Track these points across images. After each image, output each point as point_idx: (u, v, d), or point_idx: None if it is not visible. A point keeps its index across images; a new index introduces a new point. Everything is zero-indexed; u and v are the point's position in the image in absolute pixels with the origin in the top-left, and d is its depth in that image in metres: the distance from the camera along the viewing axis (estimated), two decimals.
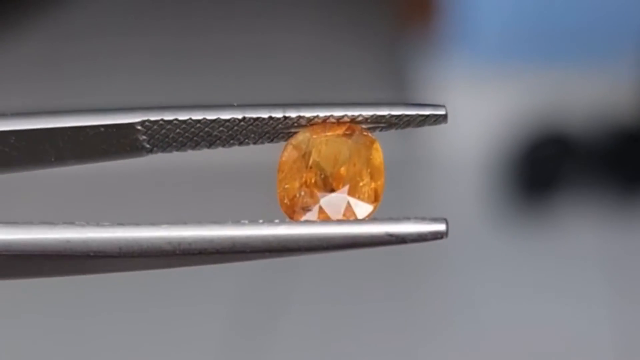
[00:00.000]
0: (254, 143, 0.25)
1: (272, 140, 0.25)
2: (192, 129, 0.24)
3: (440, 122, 0.24)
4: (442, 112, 0.24)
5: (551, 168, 1.04)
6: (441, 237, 0.23)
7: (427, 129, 1.18)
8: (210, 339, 0.88)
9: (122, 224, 0.23)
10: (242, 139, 0.24)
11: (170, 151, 0.24)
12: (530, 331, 0.88)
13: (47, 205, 1.08)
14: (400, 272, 0.96)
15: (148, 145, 0.24)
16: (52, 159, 0.24)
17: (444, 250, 0.99)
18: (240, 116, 0.24)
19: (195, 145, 0.24)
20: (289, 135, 0.25)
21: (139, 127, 0.24)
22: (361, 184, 0.24)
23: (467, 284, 0.96)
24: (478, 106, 1.10)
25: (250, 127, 0.24)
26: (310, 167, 0.24)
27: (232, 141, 0.24)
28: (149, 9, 1.55)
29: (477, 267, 0.98)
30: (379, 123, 0.24)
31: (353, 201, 0.24)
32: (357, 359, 0.87)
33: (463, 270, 0.98)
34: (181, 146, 0.24)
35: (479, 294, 0.94)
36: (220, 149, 0.25)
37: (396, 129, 0.24)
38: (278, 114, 0.24)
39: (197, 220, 0.23)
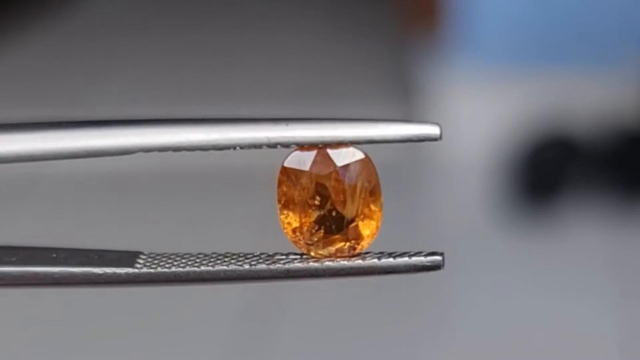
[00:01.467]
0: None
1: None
2: (185, 151, 0.24)
3: (434, 140, 0.24)
4: (436, 133, 0.24)
5: (555, 171, 1.04)
6: (438, 269, 0.24)
7: None
8: (216, 337, 0.89)
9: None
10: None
11: None
12: (535, 333, 0.88)
13: (46, 205, 1.08)
14: (405, 275, 0.96)
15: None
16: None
17: (448, 252, 0.99)
18: (233, 145, 0.24)
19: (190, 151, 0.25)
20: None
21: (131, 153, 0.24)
22: (361, 209, 0.24)
23: (471, 286, 0.96)
24: (482, 109, 1.10)
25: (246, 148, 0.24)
26: (309, 196, 0.24)
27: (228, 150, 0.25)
28: (153, 11, 1.55)
29: (482, 269, 0.98)
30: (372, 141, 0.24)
31: (355, 229, 0.24)
32: (360, 358, 0.87)
33: (467, 273, 0.98)
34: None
35: (483, 296, 0.94)
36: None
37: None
38: (272, 141, 0.24)
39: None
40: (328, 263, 0.24)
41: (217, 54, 1.38)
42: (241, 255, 0.25)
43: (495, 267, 0.98)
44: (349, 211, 0.24)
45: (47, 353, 0.88)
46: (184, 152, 0.24)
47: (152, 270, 0.24)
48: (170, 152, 0.25)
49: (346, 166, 0.24)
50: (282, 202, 0.24)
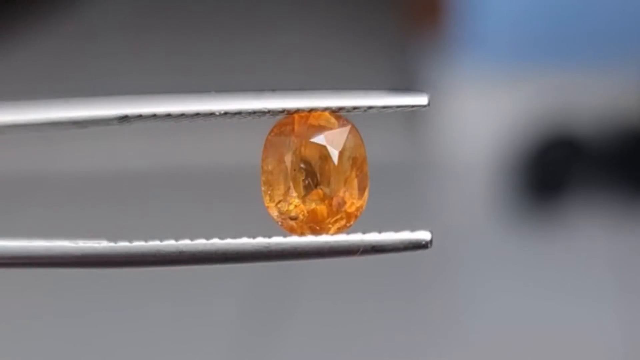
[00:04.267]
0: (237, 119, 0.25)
1: (253, 118, 0.24)
2: (171, 120, 0.24)
3: (422, 109, 0.24)
4: (424, 101, 0.24)
5: (560, 170, 1.04)
6: (425, 248, 0.24)
7: (436, 132, 1.17)
8: (220, 337, 0.89)
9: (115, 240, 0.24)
10: (223, 120, 0.25)
11: (151, 123, 0.24)
12: (539, 331, 0.88)
13: (46, 206, 1.08)
14: (410, 273, 0.96)
15: (127, 124, 0.24)
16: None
17: (453, 252, 0.99)
18: (221, 110, 0.24)
19: (175, 123, 0.24)
20: (271, 117, 0.24)
21: (116, 120, 0.24)
22: (347, 181, 0.24)
23: (476, 286, 0.96)
24: (487, 108, 1.09)
25: (231, 115, 0.24)
26: (293, 171, 0.24)
27: (212, 120, 0.24)
28: (156, 10, 1.55)
29: (487, 268, 0.98)
30: (359, 110, 0.24)
31: (340, 200, 0.24)
32: (365, 356, 0.87)
33: (472, 272, 0.98)
34: (161, 122, 0.24)
35: (488, 295, 0.94)
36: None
37: (377, 111, 0.24)
38: (260, 107, 0.24)
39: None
40: (312, 238, 0.24)
41: (219, 54, 1.38)
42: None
43: (499, 266, 0.97)
44: (334, 184, 0.24)
45: (46, 352, 0.88)
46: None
47: (127, 244, 0.23)
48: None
49: (332, 137, 0.23)
50: (266, 175, 0.24)
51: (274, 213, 0.24)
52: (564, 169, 1.04)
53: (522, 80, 1.10)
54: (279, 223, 0.24)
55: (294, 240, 0.24)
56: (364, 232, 0.24)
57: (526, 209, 1.02)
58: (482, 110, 1.09)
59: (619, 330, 0.88)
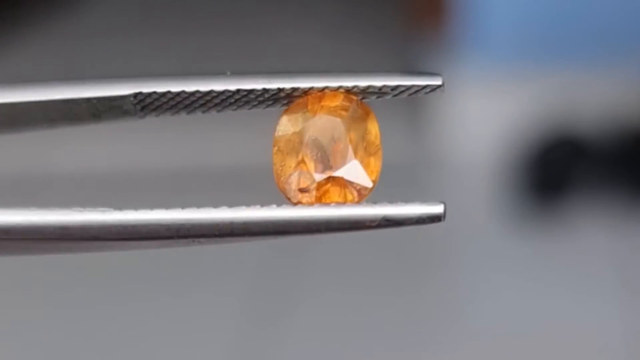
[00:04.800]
0: (249, 109, 0.24)
1: (267, 107, 0.24)
2: (185, 100, 0.24)
3: (437, 91, 0.23)
4: (438, 82, 0.23)
5: (562, 170, 1.04)
6: (439, 220, 0.23)
7: (438, 131, 1.17)
8: (223, 328, 0.89)
9: (120, 208, 0.23)
10: (236, 107, 0.24)
11: (164, 116, 0.24)
12: (542, 331, 0.88)
13: (50, 205, 1.08)
14: (412, 270, 0.96)
15: (141, 113, 0.24)
16: (45, 125, 0.24)
17: (455, 250, 0.99)
18: (234, 88, 0.24)
19: (189, 112, 0.24)
20: (284, 103, 0.24)
21: (132, 99, 0.24)
22: (358, 159, 0.23)
23: (478, 284, 0.96)
24: (489, 108, 1.09)
25: (244, 97, 0.24)
26: (306, 144, 0.23)
27: (226, 108, 0.24)
28: (158, 9, 1.55)
29: (489, 267, 0.97)
30: (373, 92, 0.24)
31: (350, 179, 0.24)
32: (367, 352, 0.87)
33: (475, 271, 0.98)
34: (174, 113, 0.24)
35: (490, 294, 0.94)
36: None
37: (392, 97, 0.23)
38: (273, 86, 0.23)
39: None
40: (321, 208, 0.23)
41: (221, 53, 1.38)
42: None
43: (502, 264, 0.97)
44: (345, 163, 0.23)
45: (48, 348, 0.88)
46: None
47: (132, 210, 0.23)
48: (166, 116, 0.24)
49: (345, 116, 0.24)
50: (277, 147, 0.24)
51: (284, 186, 0.24)
52: (566, 168, 1.04)
53: (525, 79, 1.10)
54: (288, 197, 0.23)
55: (303, 210, 0.23)
56: (375, 203, 0.23)
57: (528, 208, 1.02)
58: (484, 110, 1.09)
59: (620, 329, 0.88)
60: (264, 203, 0.23)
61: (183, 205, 0.23)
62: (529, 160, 1.05)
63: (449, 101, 1.10)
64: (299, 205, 0.23)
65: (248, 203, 0.23)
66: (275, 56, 1.37)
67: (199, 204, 0.24)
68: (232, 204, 0.23)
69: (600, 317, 0.89)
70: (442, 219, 0.23)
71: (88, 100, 0.24)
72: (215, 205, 0.23)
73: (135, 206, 0.23)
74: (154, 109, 0.24)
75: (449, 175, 1.12)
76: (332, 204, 0.23)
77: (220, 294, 0.93)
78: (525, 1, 1.10)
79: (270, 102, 0.24)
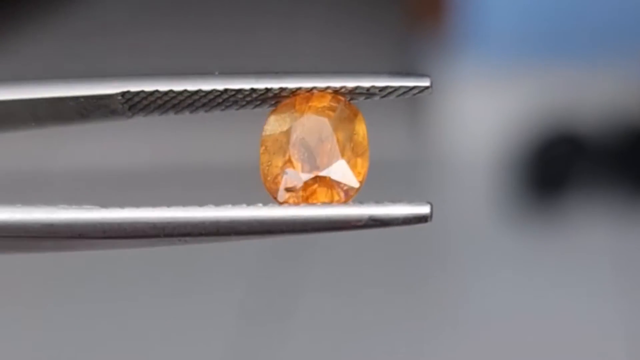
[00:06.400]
0: (237, 109, 0.24)
1: (255, 108, 0.24)
2: (174, 99, 0.24)
3: (425, 93, 0.23)
4: (426, 83, 0.23)
5: (562, 167, 1.04)
6: (425, 221, 0.22)
7: (438, 128, 1.17)
8: (222, 328, 0.88)
9: (106, 206, 0.23)
10: (224, 107, 0.24)
11: (152, 116, 0.24)
12: (542, 329, 0.88)
13: (48, 203, 1.08)
14: (411, 268, 0.96)
15: (129, 112, 0.24)
16: (32, 124, 0.24)
17: (454, 248, 0.99)
18: (222, 88, 0.23)
19: (177, 112, 0.24)
20: (272, 103, 0.24)
21: (120, 98, 0.24)
22: (345, 160, 0.23)
23: (478, 281, 0.96)
24: (489, 105, 1.09)
25: (232, 97, 0.24)
26: (294, 144, 0.23)
27: (214, 108, 0.24)
28: (158, 7, 1.55)
29: (488, 264, 0.97)
30: (362, 93, 0.24)
31: (337, 179, 0.23)
32: (367, 350, 0.87)
33: (474, 268, 0.98)
34: (162, 112, 0.24)
35: (490, 291, 0.94)
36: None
37: (380, 98, 0.23)
38: (260, 86, 0.23)
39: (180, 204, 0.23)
40: (308, 207, 0.23)
41: (222, 52, 1.38)
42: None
43: (501, 262, 0.97)
44: (332, 163, 0.23)
45: (47, 348, 0.88)
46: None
47: (118, 208, 0.22)
48: (155, 115, 0.24)
49: (333, 117, 0.24)
50: (264, 147, 0.24)
51: (270, 186, 0.23)
52: (566, 166, 1.03)
53: (525, 77, 1.09)
54: (275, 197, 0.23)
55: (290, 210, 0.23)
56: (362, 202, 0.23)
57: (528, 206, 1.02)
58: (484, 107, 1.09)
59: (620, 326, 0.88)
60: (251, 202, 0.23)
61: (170, 204, 0.23)
62: (529, 158, 1.04)
63: (448, 98, 1.10)
64: (285, 205, 0.23)
65: (235, 202, 0.23)
66: (274, 53, 1.37)
67: (186, 203, 0.24)
68: (219, 202, 0.23)
69: (600, 315, 0.89)
70: (428, 219, 0.22)
71: (75, 98, 0.24)
72: (202, 203, 0.22)
73: (123, 204, 0.23)
74: (142, 109, 0.24)
75: (448, 172, 1.12)
76: (319, 204, 0.23)
77: (219, 293, 0.93)
78: None
79: (258, 103, 0.24)
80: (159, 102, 0.24)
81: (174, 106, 0.24)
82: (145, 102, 0.24)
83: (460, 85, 1.10)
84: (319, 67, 1.31)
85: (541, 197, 1.02)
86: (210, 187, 1.08)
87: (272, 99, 0.24)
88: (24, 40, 1.42)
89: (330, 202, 0.23)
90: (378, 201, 0.23)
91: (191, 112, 0.24)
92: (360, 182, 0.24)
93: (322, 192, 0.23)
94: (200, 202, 0.22)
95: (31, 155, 1.11)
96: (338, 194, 0.23)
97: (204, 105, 0.24)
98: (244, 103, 0.24)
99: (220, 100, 0.24)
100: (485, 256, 0.99)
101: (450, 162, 1.11)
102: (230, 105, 0.24)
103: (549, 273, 0.95)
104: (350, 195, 0.23)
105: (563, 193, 1.02)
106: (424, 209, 0.22)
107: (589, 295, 0.91)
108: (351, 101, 0.24)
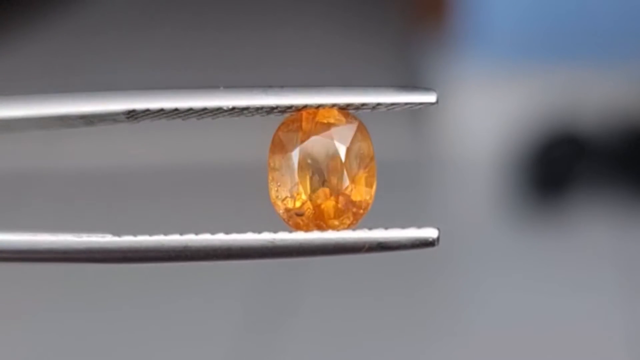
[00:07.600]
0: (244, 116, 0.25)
1: (261, 116, 0.24)
2: (179, 115, 0.24)
3: (430, 106, 0.23)
4: (432, 99, 0.24)
5: (564, 167, 1.03)
6: (432, 245, 0.23)
7: (440, 129, 1.17)
8: (223, 331, 0.89)
9: (119, 235, 0.23)
10: (230, 116, 0.24)
11: (158, 120, 0.24)
12: (544, 329, 0.88)
13: (50, 202, 1.08)
14: (415, 270, 0.95)
15: (135, 121, 0.24)
16: (36, 131, 0.25)
17: (458, 249, 0.98)
18: (229, 106, 0.23)
19: (184, 119, 0.24)
20: (277, 113, 0.24)
21: (125, 114, 0.24)
22: (353, 177, 0.24)
23: (481, 282, 0.96)
24: (491, 106, 1.09)
25: (238, 112, 0.24)
26: (301, 166, 0.23)
27: (220, 115, 0.24)
28: (160, 6, 1.53)
29: (491, 265, 0.97)
30: (368, 107, 0.24)
31: (348, 196, 0.24)
32: (370, 353, 0.87)
33: (477, 269, 0.98)
34: (168, 120, 0.24)
35: (493, 291, 0.94)
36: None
37: (386, 110, 0.23)
38: (268, 103, 0.23)
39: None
40: (317, 234, 0.23)
41: (222, 51, 1.37)
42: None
43: (504, 262, 0.97)
44: (341, 181, 0.23)
45: (50, 350, 0.88)
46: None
47: (132, 238, 0.23)
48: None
49: (340, 133, 0.23)
50: (273, 171, 0.24)
51: (280, 210, 0.24)
52: (568, 166, 1.03)
53: (527, 77, 1.09)
54: (285, 220, 0.24)
55: (299, 236, 0.23)
56: (370, 229, 0.23)
57: (530, 206, 1.02)
58: (486, 108, 1.09)
59: (622, 326, 0.88)
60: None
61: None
62: (531, 158, 1.04)
63: (450, 99, 1.10)
64: (296, 231, 0.23)
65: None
66: (276, 54, 1.36)
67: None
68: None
69: (602, 315, 0.89)
70: (435, 244, 0.23)
71: (80, 115, 0.24)
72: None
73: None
74: (148, 118, 0.25)
75: (451, 173, 1.12)
76: (328, 232, 0.23)
77: (220, 296, 0.92)
78: None
79: (263, 114, 0.24)
80: (164, 116, 0.24)
81: (180, 118, 0.24)
82: (150, 117, 0.24)
83: (462, 85, 1.09)
84: (320, 66, 1.30)
85: (543, 198, 1.02)
86: (211, 187, 1.07)
87: (279, 112, 0.24)
88: (24, 40, 1.41)
89: (341, 223, 0.24)
90: (386, 226, 0.23)
91: (198, 119, 0.25)
92: (370, 199, 0.24)
93: (331, 212, 0.23)
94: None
95: (31, 155, 1.11)
96: (348, 215, 0.23)
97: (209, 114, 0.24)
98: (249, 115, 0.24)
99: (226, 113, 0.24)
100: (488, 256, 0.98)
101: (452, 163, 1.11)
102: (235, 115, 0.24)
103: (551, 273, 0.95)
104: (361, 214, 0.24)
105: (565, 193, 1.02)
106: (432, 234, 0.23)
107: (591, 294, 0.91)
108: (357, 111, 0.24)
